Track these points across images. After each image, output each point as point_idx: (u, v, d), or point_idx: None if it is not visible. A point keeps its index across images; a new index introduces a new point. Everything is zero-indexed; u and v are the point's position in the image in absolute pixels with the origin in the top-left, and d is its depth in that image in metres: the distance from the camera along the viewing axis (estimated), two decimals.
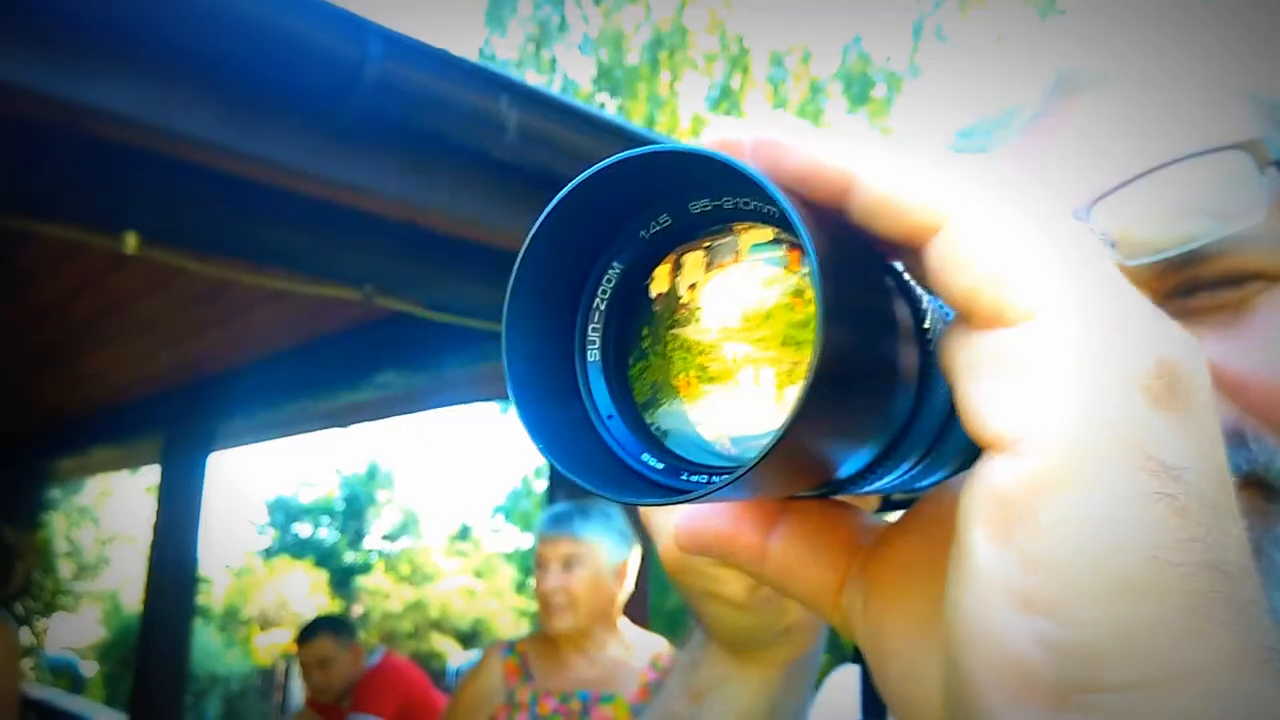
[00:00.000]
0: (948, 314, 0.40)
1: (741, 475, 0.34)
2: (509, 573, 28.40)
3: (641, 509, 0.66)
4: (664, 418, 0.42)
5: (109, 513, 23.21)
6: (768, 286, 0.40)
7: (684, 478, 0.40)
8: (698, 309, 0.42)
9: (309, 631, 4.72)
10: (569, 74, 15.08)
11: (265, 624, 23.15)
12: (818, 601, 0.42)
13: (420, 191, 2.82)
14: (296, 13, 2.37)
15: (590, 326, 0.43)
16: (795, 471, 0.37)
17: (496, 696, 3.05)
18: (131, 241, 2.93)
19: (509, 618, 27.72)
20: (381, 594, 26.82)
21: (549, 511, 3.27)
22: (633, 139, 3.06)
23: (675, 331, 0.42)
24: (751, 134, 0.36)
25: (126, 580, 20.76)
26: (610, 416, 0.42)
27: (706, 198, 0.40)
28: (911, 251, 0.35)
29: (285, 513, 30.80)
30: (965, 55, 14.29)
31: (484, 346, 4.19)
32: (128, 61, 2.39)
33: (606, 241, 0.42)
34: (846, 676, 0.84)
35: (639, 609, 3.42)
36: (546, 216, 0.40)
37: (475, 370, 4.44)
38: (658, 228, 0.41)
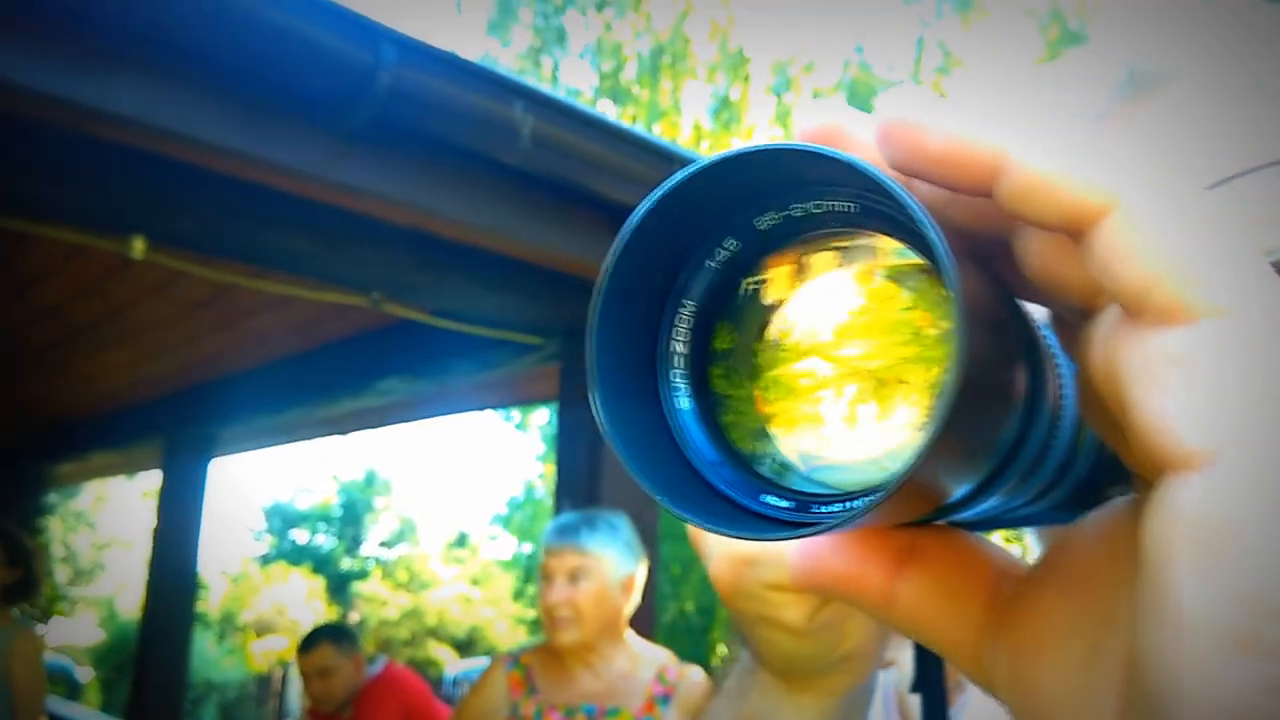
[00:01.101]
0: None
1: (877, 504, 0.31)
2: (506, 581, 28.36)
3: (691, 529, 0.63)
4: (771, 452, 0.39)
5: (105, 518, 23.17)
6: (863, 296, 0.37)
7: (763, 500, 0.37)
8: (787, 326, 0.39)
9: (310, 640, 4.68)
10: (570, 84, 15.11)
11: (261, 630, 23.08)
12: (955, 655, 0.39)
13: (431, 197, 2.80)
14: (309, 16, 2.35)
15: (674, 371, 0.39)
16: (919, 499, 0.34)
17: (500, 710, 3.02)
18: (139, 246, 2.91)
19: (506, 626, 27.70)
20: (378, 601, 26.79)
21: (555, 523, 3.23)
22: (647, 147, 3.04)
23: (768, 355, 0.39)
24: (865, 119, 0.33)
25: (122, 586, 20.71)
26: (716, 463, 0.39)
27: (771, 210, 0.36)
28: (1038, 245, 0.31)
29: (282, 519, 30.75)
30: (968, 67, 14.32)
31: (489, 354, 4.17)
32: (137, 64, 2.37)
33: (675, 272, 0.38)
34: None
35: (645, 622, 3.38)
36: (618, 254, 0.35)
37: (480, 378, 4.41)
38: (725, 255, 0.38)
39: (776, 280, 0.39)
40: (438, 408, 5.90)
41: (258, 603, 24.39)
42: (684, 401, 0.39)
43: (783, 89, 14.53)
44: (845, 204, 0.35)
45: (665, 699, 3.01)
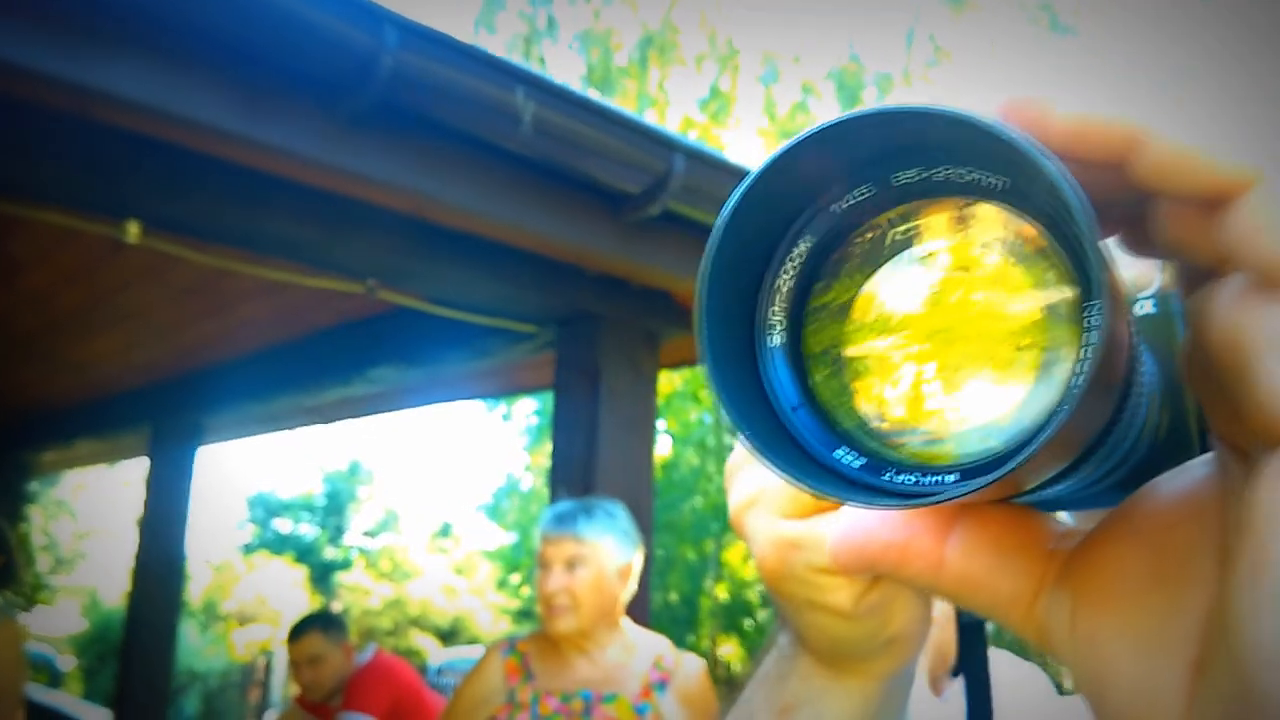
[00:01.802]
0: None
1: (1003, 473, 0.31)
2: (490, 570, 28.35)
3: (733, 513, 0.63)
4: (849, 411, 0.39)
5: (86, 506, 23.02)
6: (975, 269, 0.37)
7: (887, 477, 0.37)
8: (892, 283, 0.39)
9: (299, 628, 4.65)
10: (557, 73, 15.06)
11: (244, 620, 23.01)
12: (1006, 613, 0.39)
13: (431, 183, 2.78)
14: None
15: (771, 310, 0.39)
16: (1037, 470, 0.34)
17: (497, 696, 3.01)
18: (134, 230, 2.88)
19: (489, 615, 27.69)
20: (361, 591, 26.75)
21: (551, 511, 3.22)
22: (649, 135, 3.03)
23: (865, 309, 0.39)
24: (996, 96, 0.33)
25: (105, 575, 20.59)
26: (795, 408, 0.39)
27: (917, 167, 0.36)
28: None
29: (265, 508, 30.64)
30: (958, 60, 14.34)
31: (484, 342, 4.15)
32: (134, 44, 2.34)
33: (796, 213, 0.39)
34: None
35: (640, 609, 3.39)
36: (751, 182, 0.36)
37: (474, 367, 4.39)
38: (855, 200, 0.38)
39: (894, 235, 0.39)
40: (429, 396, 5.88)
41: (240, 592, 24.30)
42: (776, 338, 0.39)
43: (771, 80, 14.52)
44: (996, 179, 0.35)
45: (662, 685, 3.01)
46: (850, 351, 0.39)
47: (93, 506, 23.01)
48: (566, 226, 3.09)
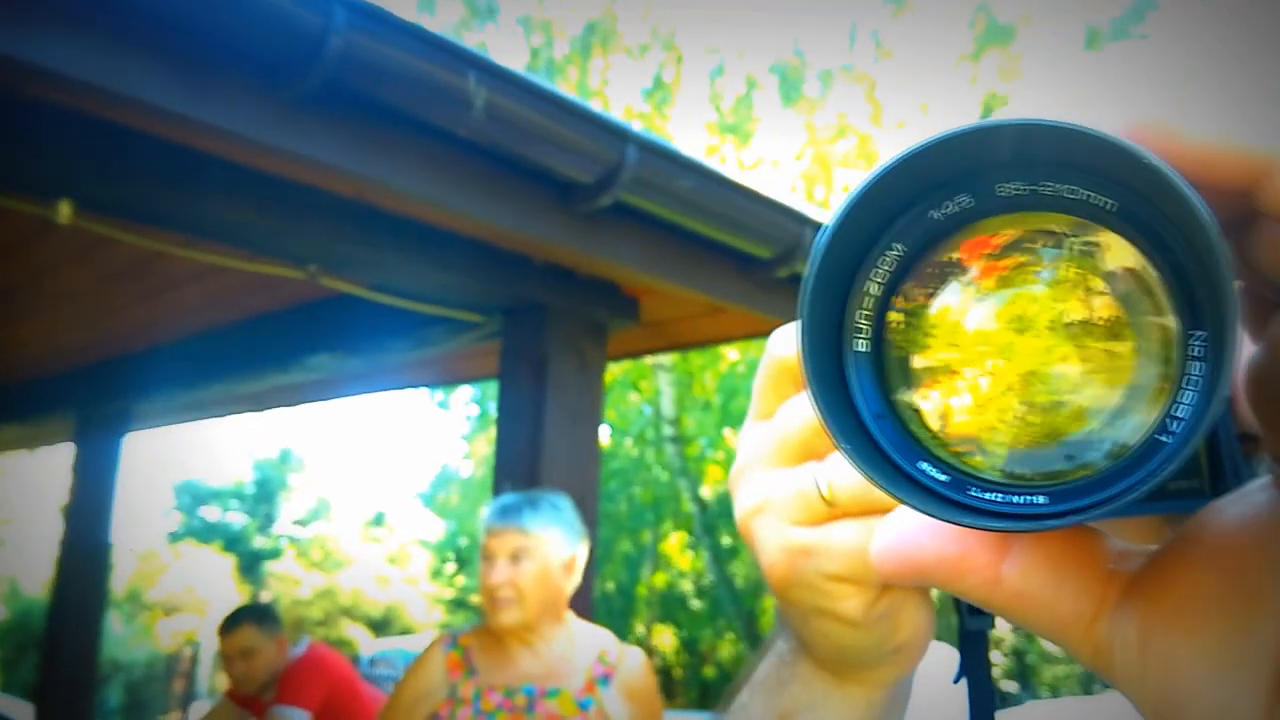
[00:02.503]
0: None
1: (1114, 508, 0.33)
2: (425, 560, 28.16)
3: (738, 520, 0.62)
4: (929, 423, 0.38)
5: (7, 493, 22.34)
6: (1071, 294, 0.37)
7: (972, 492, 0.36)
8: (965, 306, 0.38)
9: (232, 620, 4.56)
10: (498, 60, 14.90)
11: (169, 610, 22.54)
12: (1065, 632, 0.38)
13: (378, 168, 2.72)
14: None
15: (859, 314, 0.39)
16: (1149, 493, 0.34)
17: (439, 691, 2.98)
18: (65, 211, 2.77)
19: (423, 605, 27.50)
20: (291, 580, 26.44)
21: (496, 503, 3.19)
22: (602, 125, 3.00)
23: (938, 328, 0.38)
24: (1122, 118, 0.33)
25: (26, 563, 19.99)
26: (879, 416, 0.38)
27: (1022, 180, 0.36)
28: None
29: (192, 496, 30.06)
30: (899, 58, 14.51)
31: (428, 331, 4.10)
32: (71, 18, 2.24)
33: (895, 218, 0.38)
34: None
35: (583, 601, 3.37)
36: (866, 186, 0.35)
37: (416, 355, 4.34)
38: (954, 208, 0.37)
39: (989, 250, 0.38)
40: (369, 384, 5.79)
41: (166, 581, 23.80)
42: (861, 344, 0.38)
43: (716, 73, 14.55)
44: (1104, 199, 0.35)
45: (605, 679, 3.00)
46: (928, 362, 0.39)
47: (14, 493, 22.33)
48: (516, 215, 3.05)
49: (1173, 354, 0.35)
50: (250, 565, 27.48)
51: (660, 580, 17.89)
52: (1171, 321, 0.35)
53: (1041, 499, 0.35)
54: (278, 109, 2.47)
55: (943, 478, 0.37)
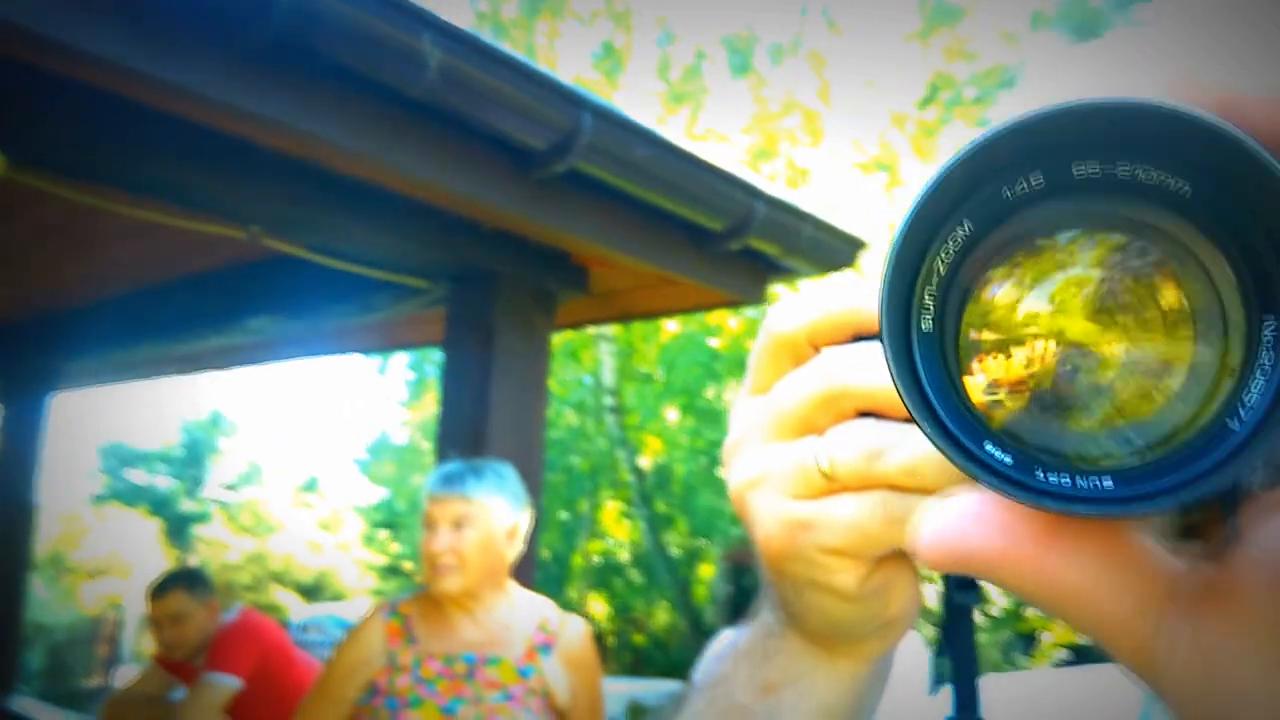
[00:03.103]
0: None
1: (1193, 496, 0.33)
2: (358, 526, 27.95)
3: (733, 492, 0.61)
4: (990, 404, 0.38)
5: None
6: (1134, 282, 0.37)
7: (1039, 475, 0.36)
8: (1031, 286, 0.38)
9: (163, 586, 4.47)
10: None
11: (94, 573, 22.10)
12: (1109, 629, 0.38)
13: (328, 128, 2.65)
14: None
15: (926, 291, 0.38)
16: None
17: (377, 659, 2.96)
18: None
19: (355, 572, 27.31)
20: (220, 545, 26.12)
21: (440, 470, 3.16)
22: (560, 91, 2.95)
23: (1002, 307, 0.38)
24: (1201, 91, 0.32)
25: None
26: (943, 396, 0.38)
27: (1097, 159, 0.35)
28: None
29: (119, 458, 29.45)
30: (849, 35, 14.55)
31: (372, 296, 4.03)
32: None
33: (967, 196, 0.37)
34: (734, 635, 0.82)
35: (526, 570, 3.37)
36: (952, 164, 0.35)
37: (359, 320, 4.26)
38: (1027, 187, 0.37)
39: (1059, 232, 0.38)
40: (308, 349, 5.69)
41: (90, 544, 23.31)
42: (927, 323, 0.38)
43: (666, 41, 14.47)
44: (1180, 183, 0.34)
45: (546, 648, 3.01)
46: (991, 340, 0.38)
47: None
48: (467, 180, 3.00)
49: (1236, 341, 0.35)
50: (178, 529, 27.06)
51: (596, 549, 17.97)
52: (1238, 308, 0.35)
53: (1109, 483, 0.35)
54: (226, 63, 2.40)
55: (1008, 459, 0.37)
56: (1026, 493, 0.35)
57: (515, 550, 3.10)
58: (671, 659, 16.97)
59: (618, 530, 18.15)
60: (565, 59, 14.53)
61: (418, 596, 3.13)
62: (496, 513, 3.01)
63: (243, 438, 31.77)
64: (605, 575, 18.38)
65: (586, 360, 15.58)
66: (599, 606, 18.91)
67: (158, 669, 4.58)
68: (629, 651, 19.05)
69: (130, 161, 2.84)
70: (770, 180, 12.57)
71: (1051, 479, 0.36)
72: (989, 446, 0.37)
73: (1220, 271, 0.35)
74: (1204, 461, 0.33)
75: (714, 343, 13.91)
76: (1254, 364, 0.33)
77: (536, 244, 3.60)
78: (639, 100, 14.05)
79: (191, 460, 30.19)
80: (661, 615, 18.57)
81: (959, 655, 0.64)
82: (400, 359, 19.54)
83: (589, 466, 16.57)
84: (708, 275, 3.80)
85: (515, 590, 3.13)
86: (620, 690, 10.65)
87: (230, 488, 30.51)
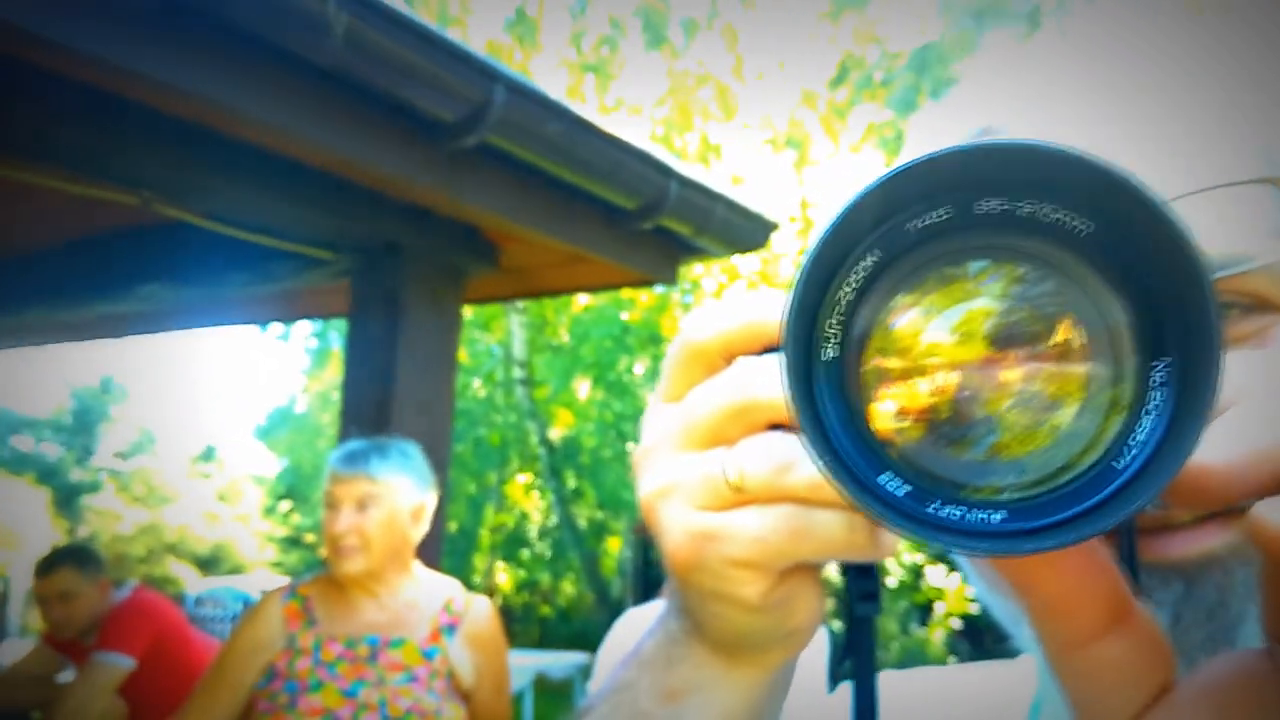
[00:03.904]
0: None
1: (1079, 538, 0.34)
2: (257, 497, 27.45)
3: (642, 501, 0.61)
4: (888, 435, 0.39)
5: None
6: (1028, 309, 0.38)
7: (933, 508, 0.37)
8: (931, 319, 0.39)
9: (49, 562, 4.32)
10: None
11: None
12: (1067, 649, 0.41)
13: (223, 91, 2.54)
14: None
15: (830, 321, 0.38)
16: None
17: (276, 642, 2.90)
18: None
19: (254, 543, 26.84)
20: (111, 515, 25.45)
21: (343, 450, 3.09)
22: (471, 63, 2.88)
23: (903, 339, 0.39)
24: None
25: None
26: (843, 426, 0.38)
27: (1002, 197, 0.36)
28: None
29: (4, 424, 28.32)
30: (761, 9, 14.62)
31: (273, 265, 3.91)
32: None
33: (874, 228, 0.37)
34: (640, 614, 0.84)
35: (432, 549, 3.33)
36: (858, 199, 0.36)
37: (259, 290, 4.14)
38: (932, 220, 0.37)
39: (963, 264, 0.39)
40: (205, 318, 5.51)
41: None
42: (830, 351, 0.38)
43: (579, 11, 14.34)
44: (1081, 223, 0.35)
45: (451, 629, 2.99)
46: (890, 373, 0.39)
47: None
48: (374, 151, 2.92)
49: (1128, 380, 0.36)
50: (67, 499, 26.22)
51: (504, 520, 17.94)
52: (1131, 347, 0.36)
53: (998, 516, 0.36)
54: (114, 22, 2.28)
55: (903, 491, 0.37)
56: (919, 526, 0.36)
57: (420, 531, 3.06)
58: (577, 631, 17.08)
59: (526, 502, 18.13)
60: (478, 24, 14.29)
61: (318, 578, 3.07)
62: (401, 493, 2.97)
63: (136, 405, 30.84)
64: (513, 547, 18.38)
65: (496, 331, 15.46)
66: (506, 578, 18.92)
67: (46, 648, 4.46)
68: (535, 624, 19.12)
69: (13, 122, 2.69)
70: (682, 155, 12.60)
71: (945, 511, 0.36)
72: (887, 476, 0.37)
73: (1115, 311, 0.36)
74: (1091, 499, 0.34)
75: (626, 316, 13.93)
76: (1144, 404, 0.34)
77: (446, 218, 3.53)
78: (550, 69, 13.92)
79: (81, 428, 29.22)
80: (568, 587, 18.67)
81: (860, 664, 0.65)
82: (303, 326, 19.14)
83: (498, 438, 16.50)
84: (619, 253, 3.79)
85: (420, 571, 3.09)
86: (527, 663, 10.68)
87: (122, 456, 29.65)
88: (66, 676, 4.30)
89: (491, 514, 17.57)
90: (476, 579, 17.78)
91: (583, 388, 15.44)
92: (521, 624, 18.73)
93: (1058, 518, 0.35)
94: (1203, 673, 0.41)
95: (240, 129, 2.83)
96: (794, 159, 13.45)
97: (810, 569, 0.59)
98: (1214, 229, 0.60)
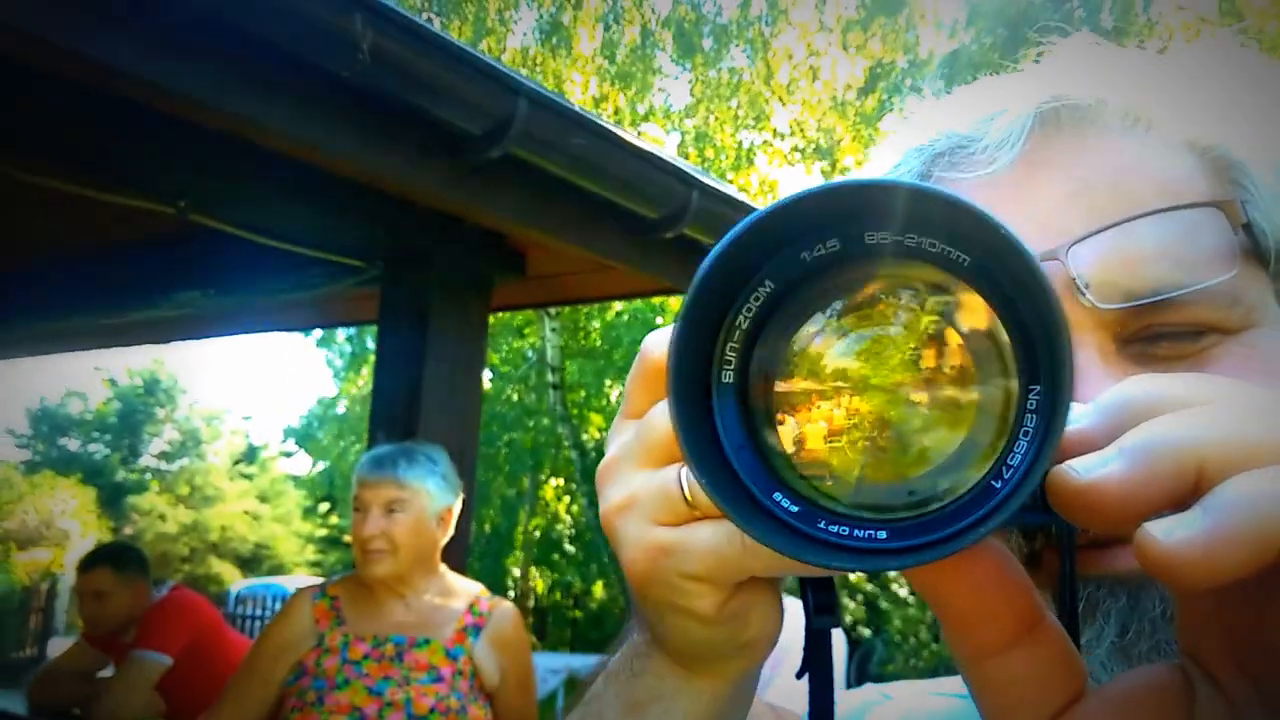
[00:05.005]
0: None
1: (949, 551, 0.35)
2: (297, 497, 27.66)
3: (602, 516, 0.64)
4: (786, 455, 0.41)
5: None
6: (922, 339, 0.39)
7: (821, 526, 0.39)
8: (826, 345, 0.41)
9: (90, 560, 4.41)
10: None
11: (24, 542, 21.63)
12: (978, 659, 0.42)
13: (257, 107, 2.61)
14: None
15: (728, 346, 0.40)
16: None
17: (306, 641, 2.96)
18: None
19: (294, 543, 27.06)
20: (156, 515, 25.69)
21: (370, 454, 3.15)
22: (494, 77, 2.93)
23: (800, 363, 0.41)
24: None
25: None
26: (740, 447, 0.40)
27: (889, 230, 0.38)
28: None
29: (51, 425, 28.75)
30: (794, 19, 14.55)
31: (302, 274, 3.98)
32: None
33: (767, 257, 0.40)
34: None
35: (458, 553, 3.38)
36: (744, 228, 0.38)
37: (293, 298, 4.21)
38: (823, 251, 0.39)
39: (853, 292, 0.41)
40: (241, 325, 5.61)
41: (21, 512, 22.80)
42: (728, 376, 0.40)
43: (612, 21, 14.36)
44: (961, 255, 0.37)
45: (476, 630, 3.03)
46: (790, 395, 0.41)
47: None
48: (401, 162, 2.98)
49: (1013, 406, 0.37)
50: (112, 499, 26.56)
51: (537, 524, 17.97)
52: (1014, 376, 0.37)
53: (883, 534, 0.37)
54: (148, 37, 2.35)
55: (795, 509, 0.39)
56: (805, 543, 0.38)
57: (446, 534, 3.10)
58: (608, 633, 17.05)
59: (559, 506, 18.17)
60: (513, 34, 14.36)
61: (347, 578, 3.13)
62: (428, 497, 3.01)
63: (180, 407, 31.20)
64: (546, 550, 18.40)
65: (530, 336, 15.52)
66: (538, 581, 18.95)
67: (86, 645, 4.52)
68: (567, 626, 19.13)
69: (54, 133, 2.78)
70: (714, 164, 12.57)
71: (832, 529, 0.38)
72: (778, 496, 0.39)
73: (1001, 337, 0.38)
74: (970, 518, 0.36)
75: (659, 321, 13.91)
76: (1020, 428, 0.36)
77: (473, 227, 3.58)
78: (583, 78, 13.95)
79: (127, 429, 29.61)
80: (599, 591, 18.65)
81: (817, 677, 0.66)
82: (340, 331, 19.32)
83: (531, 443, 16.54)
84: (643, 262, 3.81)
85: (445, 573, 3.14)
86: (558, 664, 10.73)
87: (166, 457, 30.00)
88: (106, 673, 4.36)
89: (525, 517, 17.60)
90: (511, 582, 17.84)
91: (615, 392, 15.45)
92: (554, 626, 18.74)
93: (937, 535, 0.36)
94: (1111, 685, 0.42)
95: (272, 142, 2.90)
96: (824, 166, 13.37)
97: (766, 583, 0.60)
98: (1161, 252, 0.63)
